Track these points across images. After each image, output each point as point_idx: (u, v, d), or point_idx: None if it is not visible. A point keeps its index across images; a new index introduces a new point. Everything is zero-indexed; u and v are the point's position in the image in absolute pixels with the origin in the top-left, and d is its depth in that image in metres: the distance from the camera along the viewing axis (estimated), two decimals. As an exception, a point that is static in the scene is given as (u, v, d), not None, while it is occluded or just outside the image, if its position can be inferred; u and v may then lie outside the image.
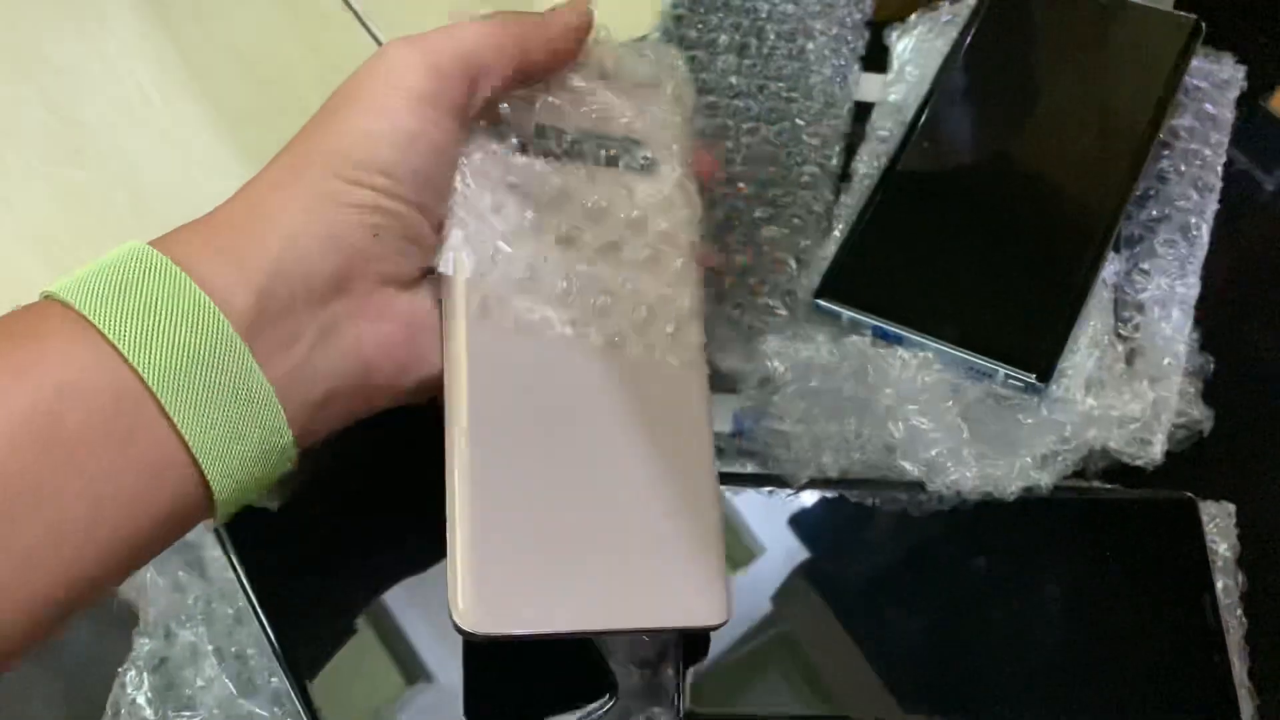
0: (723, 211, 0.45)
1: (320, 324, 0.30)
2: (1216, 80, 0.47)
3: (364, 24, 0.55)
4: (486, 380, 0.32)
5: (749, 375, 0.41)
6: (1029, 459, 0.39)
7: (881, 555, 0.39)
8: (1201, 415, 0.40)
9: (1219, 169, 0.45)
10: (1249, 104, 0.47)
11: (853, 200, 0.45)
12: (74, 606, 0.27)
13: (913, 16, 0.49)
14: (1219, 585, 0.38)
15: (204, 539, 0.37)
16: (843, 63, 0.49)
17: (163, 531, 0.28)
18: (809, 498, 0.40)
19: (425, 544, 0.35)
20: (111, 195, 0.50)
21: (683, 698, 0.36)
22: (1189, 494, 0.39)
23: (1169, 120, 0.45)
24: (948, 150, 0.45)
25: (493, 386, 0.32)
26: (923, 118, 0.45)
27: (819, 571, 0.38)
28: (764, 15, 0.50)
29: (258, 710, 0.36)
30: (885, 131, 0.47)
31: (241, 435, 0.28)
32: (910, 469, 0.39)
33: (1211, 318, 0.42)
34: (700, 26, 0.49)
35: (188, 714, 0.36)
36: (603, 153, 0.36)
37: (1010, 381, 0.39)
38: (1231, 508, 0.40)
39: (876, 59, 0.50)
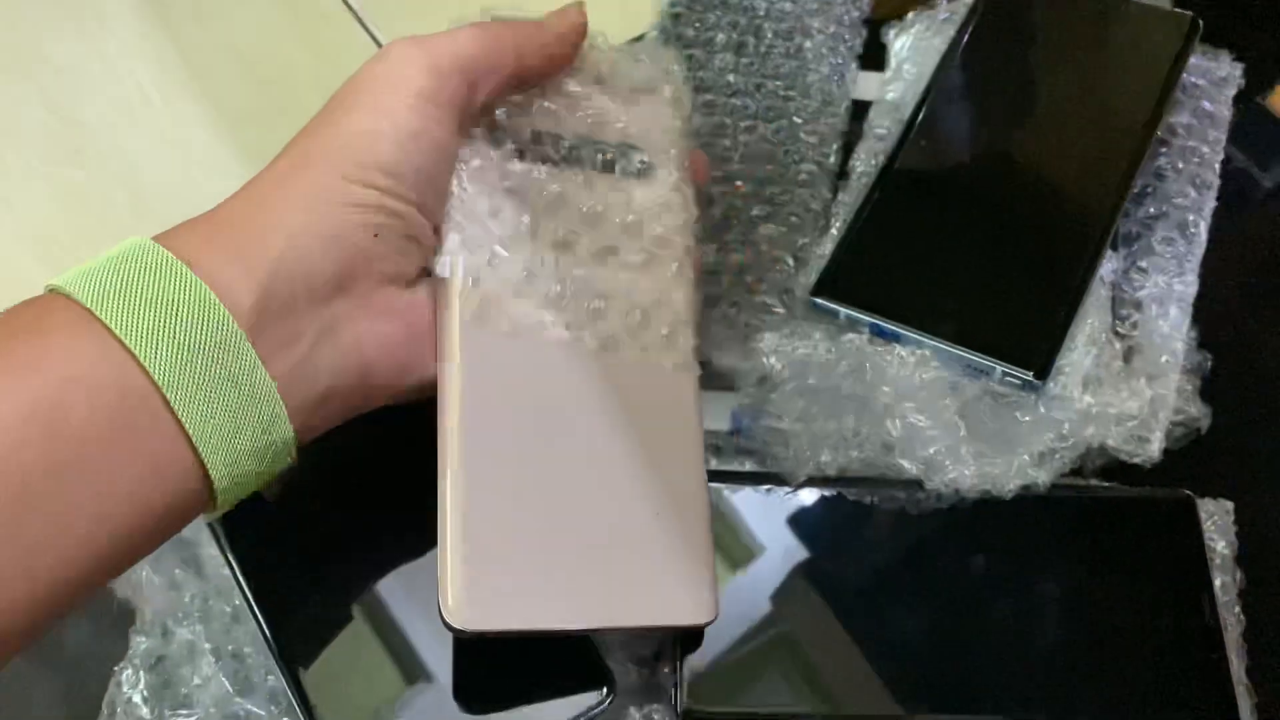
0: (720, 210, 0.45)
1: (321, 323, 0.30)
2: (1214, 78, 0.47)
3: (363, 24, 0.55)
4: (479, 381, 0.33)
5: (747, 373, 0.41)
6: (1027, 457, 0.39)
7: (879, 553, 0.39)
8: (1199, 413, 0.40)
9: (1217, 166, 0.45)
10: (1247, 101, 0.47)
11: (850, 198, 0.45)
12: (75, 598, 0.27)
13: (910, 15, 0.49)
14: (1217, 583, 0.38)
15: (201, 537, 0.38)
16: (840, 61, 0.49)
17: (164, 524, 0.29)
18: (807, 496, 0.40)
19: (423, 542, 0.35)
20: (111, 195, 0.50)
21: (680, 695, 0.36)
22: (1187, 492, 0.39)
23: (1167, 118, 0.45)
24: (945, 148, 0.45)
25: (486, 387, 0.33)
26: (920, 116, 0.45)
27: (816, 569, 0.38)
28: (761, 13, 0.50)
29: (254, 709, 0.36)
30: (883, 129, 0.47)
31: (244, 431, 0.29)
32: (908, 467, 0.39)
33: (1209, 315, 0.42)
34: (698, 25, 0.49)
35: (184, 712, 0.36)
36: (599, 157, 0.37)
37: (1008, 379, 0.39)
38: (1230, 505, 0.40)
39: (874, 57, 0.50)
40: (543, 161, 0.36)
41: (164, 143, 0.51)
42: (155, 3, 0.55)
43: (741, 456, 0.41)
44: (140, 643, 0.37)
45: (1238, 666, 0.37)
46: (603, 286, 0.35)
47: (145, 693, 0.36)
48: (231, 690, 0.36)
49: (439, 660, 0.35)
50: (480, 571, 0.31)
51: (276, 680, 0.36)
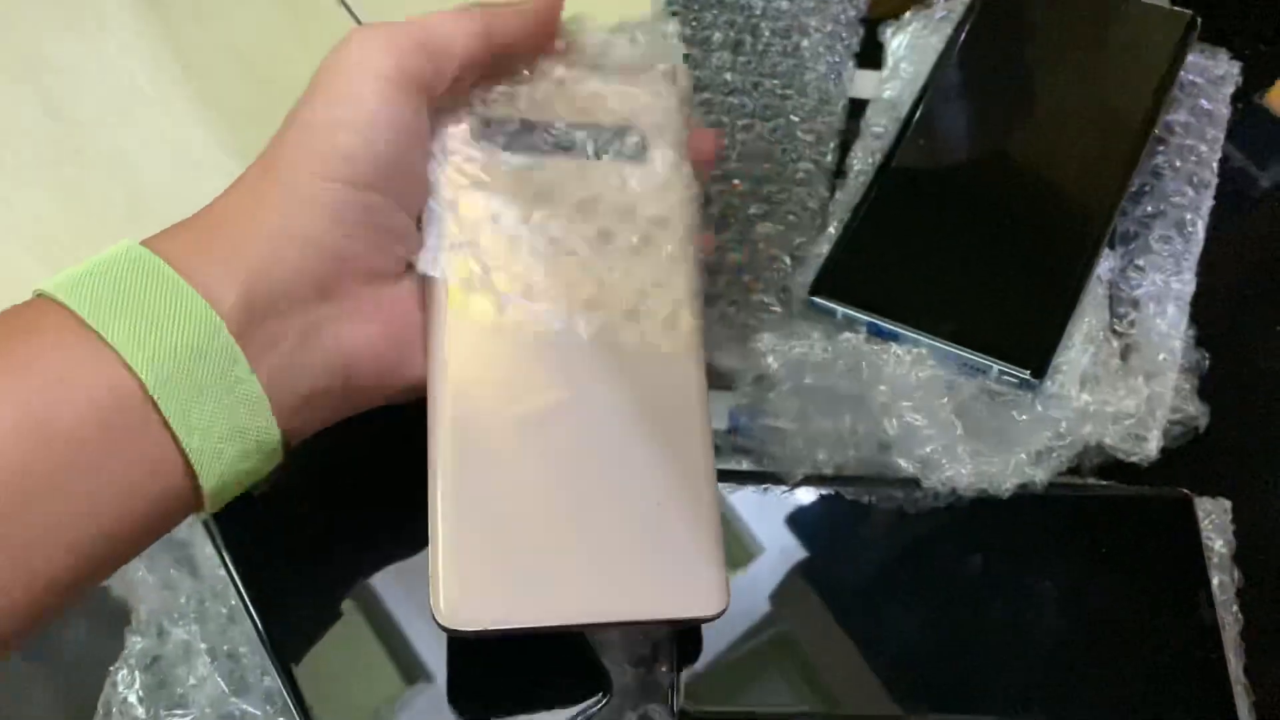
0: (717, 208, 0.45)
1: (302, 325, 0.30)
2: (1212, 76, 0.47)
3: (362, 25, 0.55)
4: (469, 376, 0.32)
5: (744, 372, 0.41)
6: (1024, 455, 0.38)
7: (876, 552, 0.39)
8: (1197, 411, 0.40)
9: (1214, 165, 0.45)
10: (1245, 99, 0.47)
11: (847, 197, 0.45)
12: (68, 599, 0.27)
13: (907, 13, 0.49)
14: (1215, 581, 0.38)
15: (195, 537, 0.38)
16: (837, 59, 0.49)
17: (153, 525, 0.29)
18: (804, 495, 0.39)
19: (420, 541, 0.35)
20: (110, 195, 0.50)
21: (677, 695, 0.36)
22: (1184, 490, 0.39)
23: (1164, 116, 0.45)
24: (942, 147, 0.45)
25: (476, 383, 0.32)
26: (917, 114, 0.45)
27: (813, 568, 0.38)
28: (759, 12, 0.50)
29: (250, 709, 0.36)
30: (880, 128, 0.47)
31: (232, 434, 0.29)
32: (905, 466, 0.39)
33: (1207, 314, 0.42)
34: (695, 23, 0.49)
35: (180, 712, 0.36)
36: (591, 143, 0.36)
37: (1005, 378, 0.39)
38: (1227, 504, 0.40)
39: (871, 56, 0.49)
40: (531, 151, 0.35)
41: (163, 142, 0.51)
42: (154, 3, 0.55)
43: (738, 455, 0.41)
44: (136, 643, 0.37)
45: (1235, 665, 0.37)
46: (597, 273, 0.34)
47: (141, 693, 0.36)
48: (227, 690, 0.36)
49: (435, 660, 0.35)
50: (471, 570, 0.30)
51: (272, 680, 0.36)
